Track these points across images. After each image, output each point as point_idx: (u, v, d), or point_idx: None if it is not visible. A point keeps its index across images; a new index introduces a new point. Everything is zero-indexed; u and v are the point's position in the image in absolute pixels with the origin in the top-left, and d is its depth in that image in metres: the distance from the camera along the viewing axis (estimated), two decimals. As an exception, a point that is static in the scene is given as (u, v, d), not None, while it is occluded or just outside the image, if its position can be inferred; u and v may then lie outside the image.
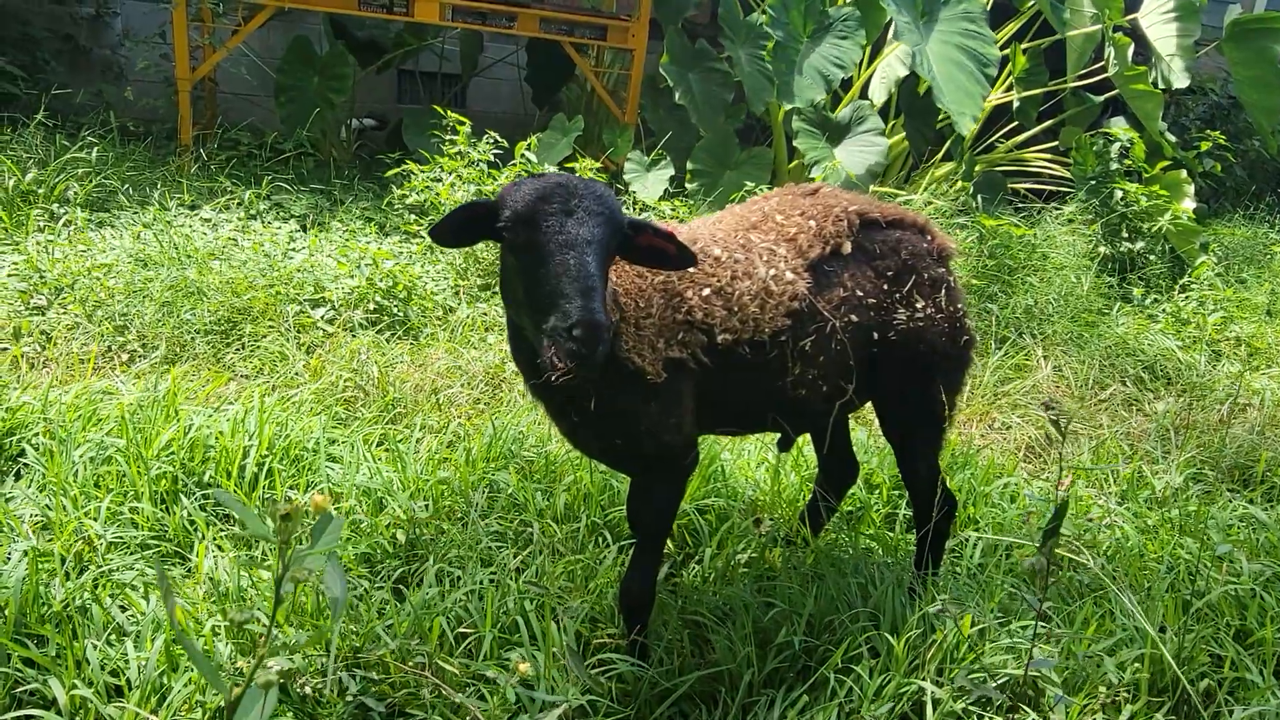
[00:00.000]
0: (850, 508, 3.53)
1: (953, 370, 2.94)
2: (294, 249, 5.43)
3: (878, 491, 3.63)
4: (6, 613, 2.32)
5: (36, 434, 3.23)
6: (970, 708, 2.38)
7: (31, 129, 6.16)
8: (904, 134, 8.40)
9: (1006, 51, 8.34)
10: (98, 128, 6.64)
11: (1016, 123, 8.76)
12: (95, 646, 2.29)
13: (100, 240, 5.25)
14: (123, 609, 2.50)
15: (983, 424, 4.67)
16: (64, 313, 4.49)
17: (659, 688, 2.48)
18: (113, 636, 2.38)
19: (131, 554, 2.74)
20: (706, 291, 2.49)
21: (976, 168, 8.26)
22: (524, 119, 9.12)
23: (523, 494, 3.21)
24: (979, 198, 7.55)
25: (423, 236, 5.77)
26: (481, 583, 2.71)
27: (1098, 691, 2.45)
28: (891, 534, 3.38)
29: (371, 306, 4.93)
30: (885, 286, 2.78)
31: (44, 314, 4.51)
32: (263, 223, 5.84)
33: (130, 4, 8.33)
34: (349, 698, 2.15)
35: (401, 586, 2.79)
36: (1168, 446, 4.41)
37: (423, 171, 6.04)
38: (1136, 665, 2.55)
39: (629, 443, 2.48)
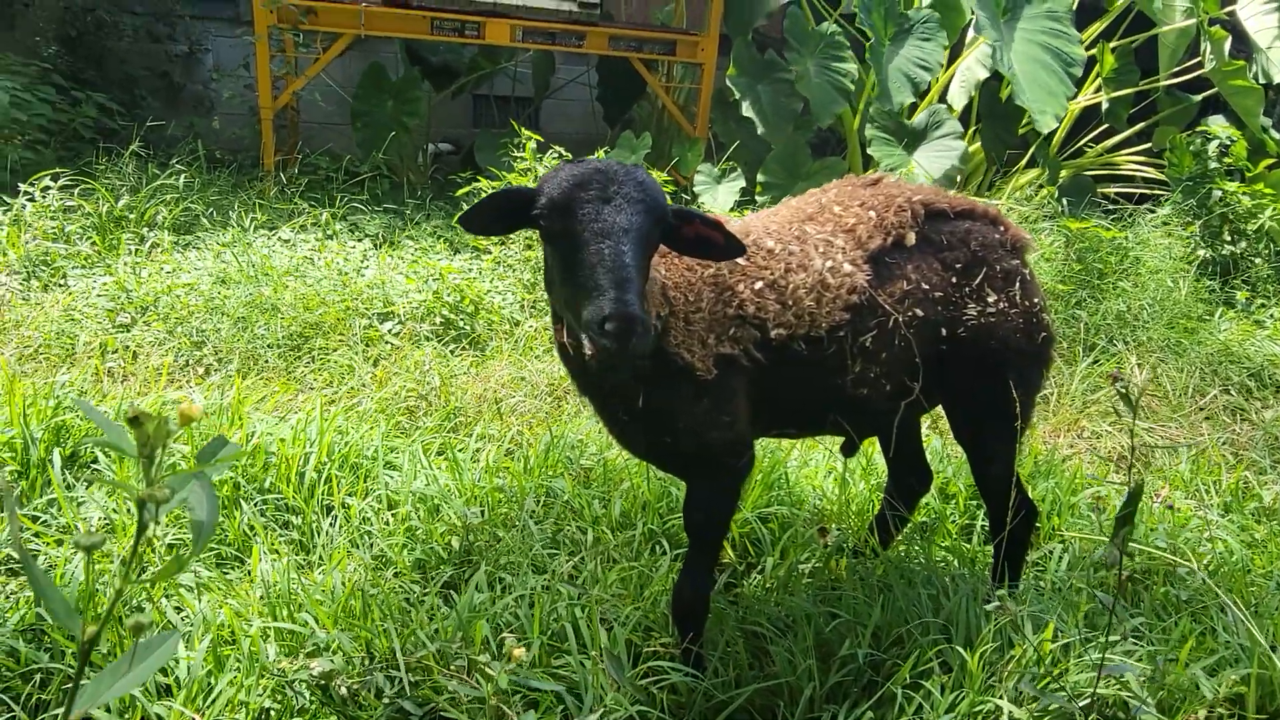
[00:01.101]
0: (924, 518, 3.35)
1: (1029, 368, 2.76)
2: (366, 267, 5.52)
3: (954, 502, 3.44)
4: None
5: (109, 441, 3.30)
6: (1052, 728, 2.19)
7: (126, 158, 6.45)
8: (983, 142, 8.12)
9: (1093, 51, 8.01)
10: (186, 156, 6.91)
11: (1106, 125, 8.39)
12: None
13: (183, 260, 5.43)
14: (178, 609, 2.52)
15: (1071, 433, 4.40)
16: (147, 329, 4.64)
17: (714, 700, 2.36)
18: (165, 636, 2.39)
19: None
20: (759, 285, 2.39)
21: (1063, 172, 7.92)
22: (597, 138, 9.16)
23: (578, 500, 3.14)
24: (1064, 201, 7.24)
25: (490, 251, 5.80)
26: (533, 589, 2.64)
27: (1195, 712, 2.23)
28: (968, 545, 3.19)
29: (438, 320, 4.96)
30: (954, 280, 2.63)
31: (129, 331, 4.67)
32: (338, 242, 5.96)
33: (219, 40, 8.71)
34: (385, 700, 2.10)
35: (452, 592, 2.74)
36: (1278, 456, 4.08)
37: (490, 187, 6.08)
38: (1242, 686, 2.31)
39: (678, 441, 2.38)
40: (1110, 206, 7.65)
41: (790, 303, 2.40)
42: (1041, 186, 7.69)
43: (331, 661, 2.13)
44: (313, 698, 2.17)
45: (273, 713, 2.17)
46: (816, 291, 2.44)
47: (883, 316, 2.49)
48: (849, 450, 3.00)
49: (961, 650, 2.35)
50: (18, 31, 8.01)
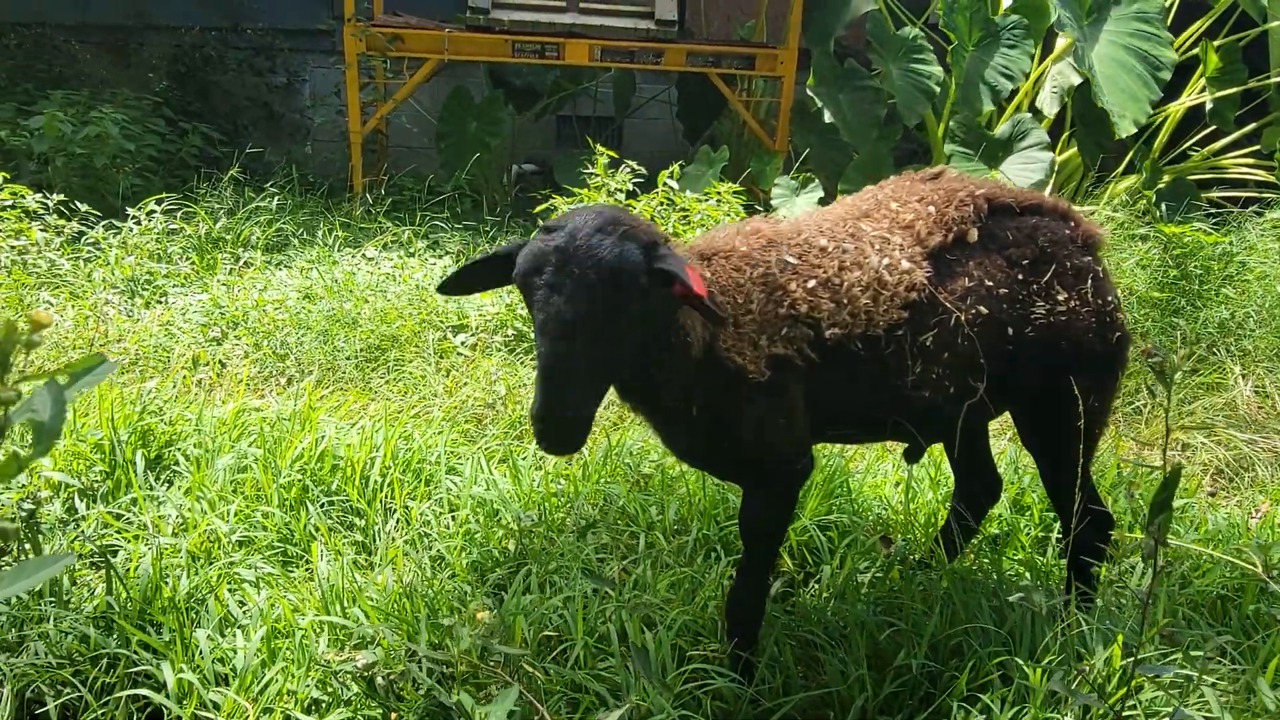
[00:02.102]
0: (996, 530, 3.20)
1: (1102, 371, 2.62)
2: (444, 281, 5.65)
3: (1028, 514, 3.28)
4: (131, 601, 2.46)
5: (191, 446, 3.46)
6: (1121, 749, 2.05)
7: (224, 183, 6.79)
8: (1077, 147, 7.81)
9: (1195, 51, 7.63)
10: (280, 180, 7.24)
11: (1212, 127, 7.96)
12: (209, 636, 2.37)
13: (273, 278, 5.67)
14: (241, 604, 2.60)
15: (1163, 446, 4.14)
16: (237, 343, 4.85)
17: (761, 707, 2.30)
18: (226, 628, 2.47)
19: (257, 553, 2.86)
20: (812, 283, 2.34)
21: (1164, 177, 7.54)
22: (678, 155, 9.17)
23: (634, 505, 3.12)
24: (1163, 206, 6.89)
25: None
26: (585, 593, 2.63)
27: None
28: (1041, 559, 3.03)
29: (510, 333, 5.03)
30: (1020, 277, 2.52)
31: (220, 344, 4.89)
32: (418, 259, 6.13)
33: (315, 70, 9.12)
34: (421, 692, 2.11)
35: (503, 593, 2.76)
36: (1399, 471, 3.76)
37: (567, 204, 6.15)
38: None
39: (733, 446, 2.35)
40: (1213, 211, 7.24)
41: (845, 301, 2.34)
42: (1140, 194, 7.33)
43: (374, 654, 2.16)
44: (357, 689, 2.21)
45: (321, 703, 2.22)
46: (873, 290, 2.37)
47: (944, 315, 2.40)
48: (912, 456, 2.89)
49: (1023, 663, 2.23)
50: (133, 69, 8.57)
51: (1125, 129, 6.36)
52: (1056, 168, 7.38)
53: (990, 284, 2.46)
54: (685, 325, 2.18)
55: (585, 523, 3.02)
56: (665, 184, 6.19)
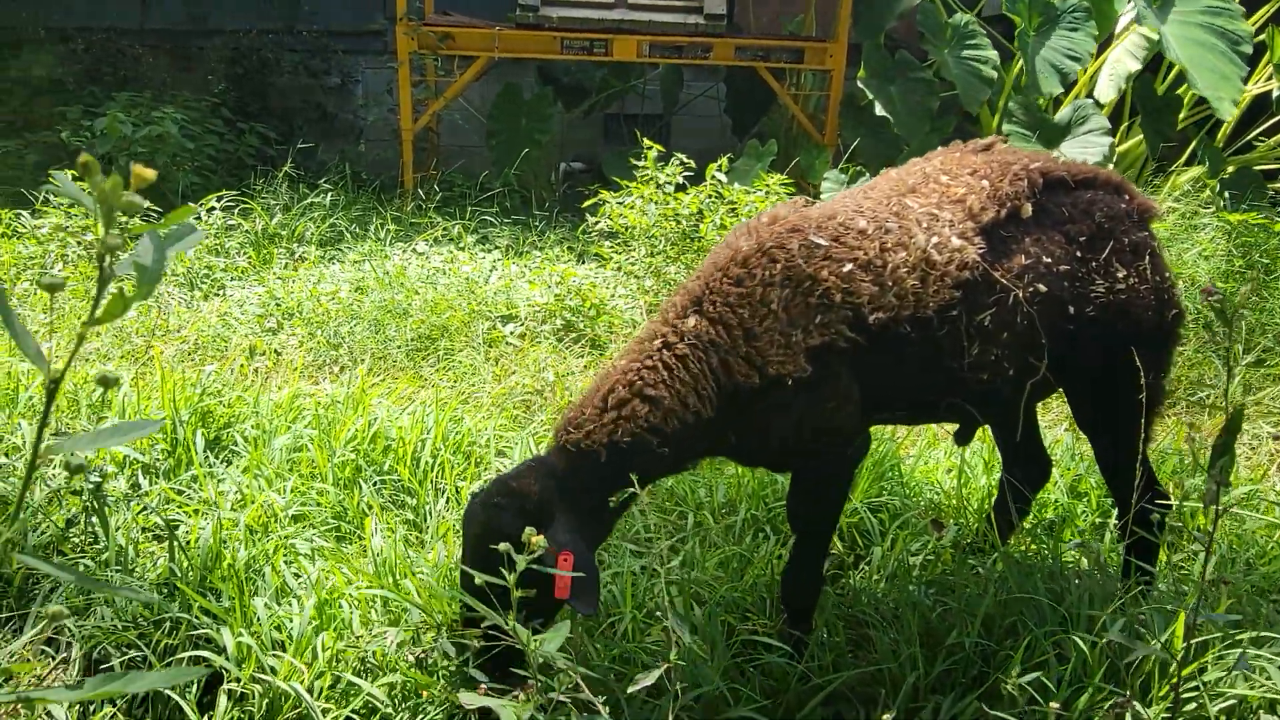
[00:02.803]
0: (1052, 516, 3.14)
1: (1160, 347, 2.56)
2: (493, 272, 5.72)
3: (1085, 499, 3.20)
4: (192, 569, 2.52)
5: (249, 427, 3.54)
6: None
7: (280, 180, 6.94)
8: (1139, 137, 7.63)
9: (1262, 37, 7.40)
10: (334, 177, 7.38)
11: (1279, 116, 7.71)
12: (266, 604, 2.42)
13: (326, 271, 5.78)
14: (296, 576, 2.65)
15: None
16: (292, 334, 4.96)
17: (810, 683, 2.28)
18: (282, 597, 2.53)
19: (312, 528, 2.91)
20: (848, 268, 2.27)
21: (1228, 167, 7.33)
22: (726, 152, 9.14)
23: (682, 486, 3.12)
24: (1227, 195, 6.69)
25: (612, 258, 5.89)
26: (633, 570, 2.64)
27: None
28: (1099, 544, 2.96)
29: (559, 323, 5.07)
30: (1078, 254, 2.46)
31: (275, 334, 5.00)
32: (468, 252, 6.21)
33: (368, 71, 9.29)
34: (453, 665, 2.14)
35: (553, 570, 2.77)
36: None
37: (614, 198, 6.19)
38: None
39: (785, 439, 2.32)
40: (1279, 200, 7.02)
41: (890, 283, 2.28)
42: (1204, 184, 7.13)
43: (402, 633, 2.20)
44: (396, 659, 2.25)
45: (368, 667, 2.26)
46: (920, 270, 2.31)
47: (1001, 294, 2.35)
48: (963, 438, 2.85)
49: (1080, 643, 2.18)
50: (193, 71, 8.81)
51: (1225, 111, 6.18)
52: (1116, 156, 7.22)
53: (1049, 260, 2.41)
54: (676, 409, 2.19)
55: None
56: (713, 177, 6.19)
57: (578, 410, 2.24)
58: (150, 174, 0.82)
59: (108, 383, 0.88)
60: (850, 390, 2.32)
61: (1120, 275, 2.48)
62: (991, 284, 2.34)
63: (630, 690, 1.69)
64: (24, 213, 6.19)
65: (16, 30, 8.18)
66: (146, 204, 0.82)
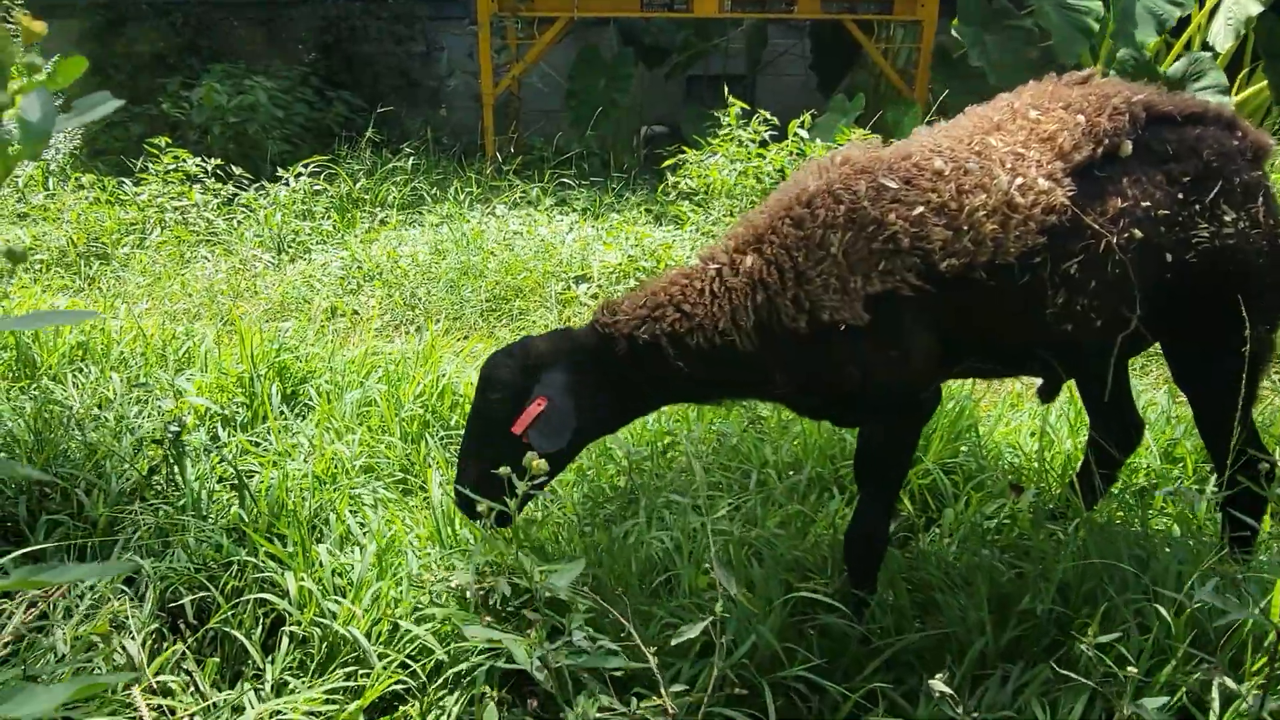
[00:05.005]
0: (1143, 481, 2.95)
1: (1269, 298, 2.34)
2: (569, 233, 5.70)
3: (1180, 465, 3.00)
4: (260, 516, 2.59)
5: (323, 382, 3.62)
6: None
7: (363, 146, 7.07)
8: (1262, 83, 7.09)
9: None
10: (416, 143, 7.47)
11: None
12: (329, 551, 2.47)
13: (406, 234, 5.87)
14: (361, 525, 2.69)
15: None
16: (371, 295, 5.05)
17: (871, 647, 2.20)
18: (345, 545, 2.57)
19: (377, 480, 2.96)
20: (918, 210, 2.15)
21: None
22: (812, 110, 8.94)
23: (748, 444, 3.05)
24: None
25: (689, 217, 5.80)
26: (693, 527, 2.59)
27: None
28: (1192, 516, 2.76)
29: (634, 283, 5.02)
30: (1181, 196, 2.27)
31: (355, 296, 5.11)
32: (547, 216, 6.20)
33: (452, 39, 9.34)
34: (511, 607, 2.14)
35: (613, 526, 2.75)
36: None
37: (696, 158, 6.09)
38: None
39: (845, 389, 2.23)
40: None
41: (965, 228, 2.15)
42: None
43: (467, 575, 2.20)
44: (450, 601, 2.26)
45: (420, 611, 2.28)
46: (1001, 213, 2.17)
47: (1091, 240, 2.19)
48: (1048, 395, 2.68)
49: (1165, 613, 2.03)
50: (284, 42, 9.02)
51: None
52: (1235, 107, 6.72)
53: (1147, 204, 2.22)
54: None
55: (699, 461, 2.97)
56: (796, 133, 6.02)
57: (622, 299, 2.36)
58: (40, 27, 0.79)
59: (15, 257, 0.85)
60: (918, 341, 2.21)
61: (1228, 219, 2.28)
62: (1081, 229, 2.17)
63: (674, 642, 1.64)
64: (126, 181, 6.47)
65: (120, 7, 8.49)
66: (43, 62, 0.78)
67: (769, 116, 6.07)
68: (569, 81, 8.00)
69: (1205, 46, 7.01)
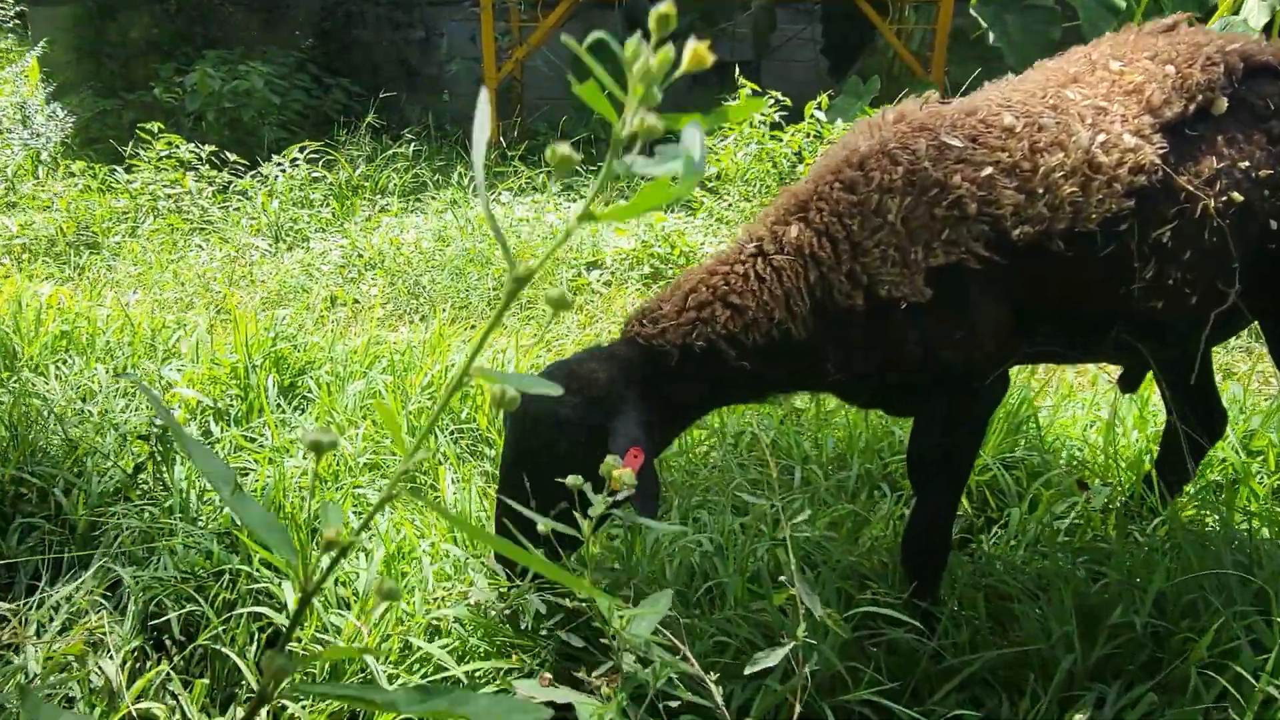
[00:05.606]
0: (1218, 476, 2.71)
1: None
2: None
3: (1260, 458, 2.76)
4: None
5: (323, 373, 3.37)
6: None
7: (362, 132, 6.81)
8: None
9: None
10: (418, 129, 7.22)
11: None
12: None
13: (408, 221, 5.62)
14: (367, 529, 2.44)
15: None
16: (372, 283, 4.80)
17: (943, 664, 1.96)
18: (349, 550, 2.32)
19: (384, 478, 2.71)
20: (987, 172, 1.90)
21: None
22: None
23: (786, 438, 2.80)
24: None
25: (703, 202, 5.56)
26: (733, 529, 2.34)
27: None
28: (1282, 510, 2.53)
29: (646, 270, 4.78)
30: None
31: (356, 284, 4.86)
32: (552, 202, 5.96)
33: (452, 24, 9.09)
34: (544, 629, 1.89)
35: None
36: None
37: (707, 142, 5.84)
38: None
39: (903, 374, 1.99)
40: None
41: (1040, 191, 1.91)
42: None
43: (485, 591, 1.95)
44: (469, 619, 2.01)
45: (436, 625, 2.03)
46: (1081, 175, 1.92)
47: (1186, 204, 1.94)
48: (1130, 384, 2.44)
49: (1283, 625, 1.79)
50: (281, 28, 8.76)
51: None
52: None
53: (1246, 165, 1.98)
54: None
55: (734, 458, 2.73)
56: (812, 116, 5.78)
57: (655, 304, 2.03)
58: None
59: None
60: (987, 318, 1.97)
61: None
62: (1174, 192, 1.93)
63: (749, 671, 1.40)
64: (118, 169, 6.21)
65: (112, -8, 8.24)
66: None
67: (780, 96, 5.82)
68: (573, 66, 7.73)
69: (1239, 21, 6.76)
